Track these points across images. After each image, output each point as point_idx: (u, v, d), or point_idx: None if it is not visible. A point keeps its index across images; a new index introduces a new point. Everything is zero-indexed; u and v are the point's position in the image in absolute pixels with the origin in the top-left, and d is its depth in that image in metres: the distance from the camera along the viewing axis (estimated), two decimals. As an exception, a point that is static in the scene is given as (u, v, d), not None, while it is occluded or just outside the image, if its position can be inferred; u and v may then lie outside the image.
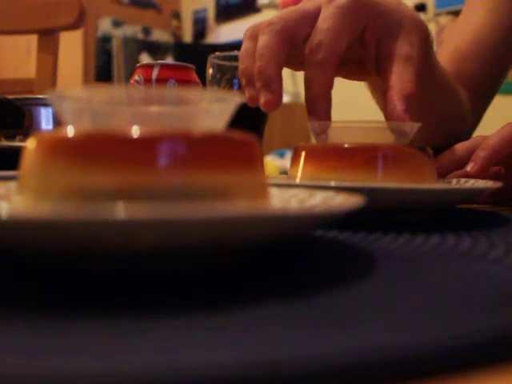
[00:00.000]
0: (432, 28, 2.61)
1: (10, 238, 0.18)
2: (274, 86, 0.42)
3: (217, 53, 0.61)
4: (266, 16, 3.15)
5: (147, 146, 0.20)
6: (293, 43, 0.44)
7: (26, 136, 0.59)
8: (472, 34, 0.69)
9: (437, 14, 2.77)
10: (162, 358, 0.13)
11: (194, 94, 0.23)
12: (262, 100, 0.42)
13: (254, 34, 0.46)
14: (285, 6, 3.25)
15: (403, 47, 0.45)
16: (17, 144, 0.55)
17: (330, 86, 0.43)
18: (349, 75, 0.53)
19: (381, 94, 0.51)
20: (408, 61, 0.44)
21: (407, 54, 0.44)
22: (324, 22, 0.44)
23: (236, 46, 0.47)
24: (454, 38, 0.72)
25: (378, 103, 0.60)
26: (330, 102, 0.43)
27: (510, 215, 0.41)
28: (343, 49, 0.44)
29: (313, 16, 0.44)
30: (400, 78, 0.43)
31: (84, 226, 0.16)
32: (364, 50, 0.48)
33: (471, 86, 0.67)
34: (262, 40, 0.44)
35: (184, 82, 0.56)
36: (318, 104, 0.43)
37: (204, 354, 0.13)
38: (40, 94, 0.73)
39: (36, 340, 0.14)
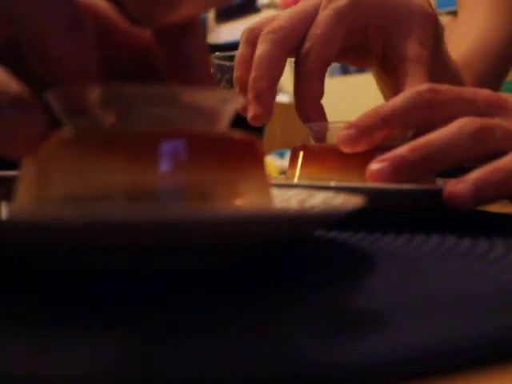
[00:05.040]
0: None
1: (11, 238, 0.18)
2: (265, 100, 0.43)
3: (217, 53, 0.61)
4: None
5: (148, 146, 0.20)
6: (292, 49, 0.45)
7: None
8: (474, 37, 0.68)
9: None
10: (161, 359, 0.13)
11: (196, 93, 0.23)
12: (251, 113, 0.43)
13: (250, 38, 0.46)
14: (285, 6, 3.24)
15: (413, 47, 0.44)
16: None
17: (320, 95, 0.44)
18: (353, 61, 0.52)
19: (385, 85, 0.51)
20: (419, 61, 0.44)
21: (417, 54, 0.44)
22: (317, 27, 0.44)
23: (236, 45, 0.47)
24: (456, 47, 0.71)
25: (383, 91, 0.60)
26: (322, 109, 0.44)
27: (509, 215, 0.41)
28: (333, 54, 0.44)
29: (311, 18, 0.45)
30: (411, 81, 0.43)
31: (84, 226, 0.16)
32: (369, 46, 0.47)
33: (474, 84, 0.67)
34: (261, 49, 0.43)
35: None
36: (311, 113, 0.44)
37: (204, 355, 0.13)
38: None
39: (36, 340, 0.14)
